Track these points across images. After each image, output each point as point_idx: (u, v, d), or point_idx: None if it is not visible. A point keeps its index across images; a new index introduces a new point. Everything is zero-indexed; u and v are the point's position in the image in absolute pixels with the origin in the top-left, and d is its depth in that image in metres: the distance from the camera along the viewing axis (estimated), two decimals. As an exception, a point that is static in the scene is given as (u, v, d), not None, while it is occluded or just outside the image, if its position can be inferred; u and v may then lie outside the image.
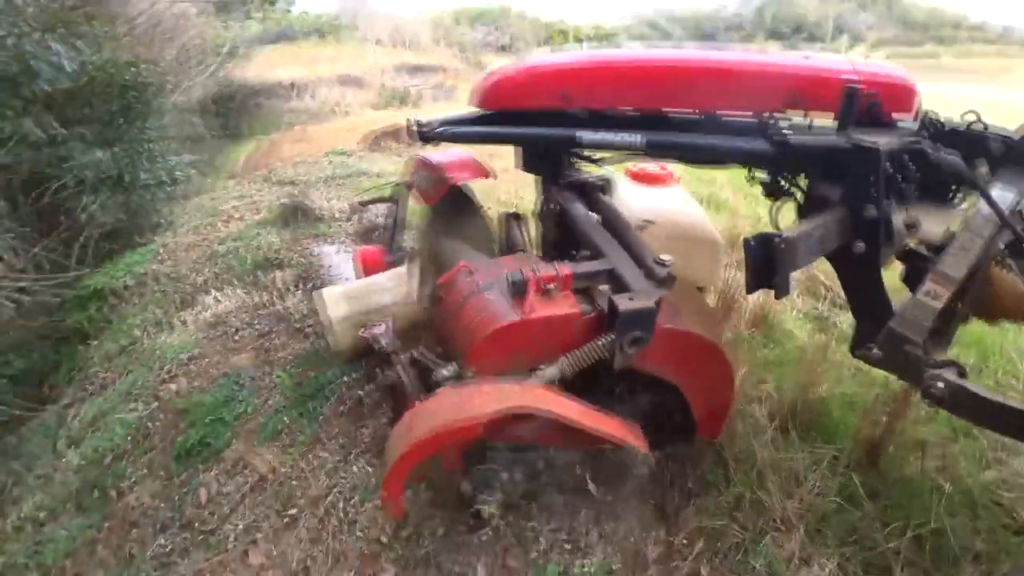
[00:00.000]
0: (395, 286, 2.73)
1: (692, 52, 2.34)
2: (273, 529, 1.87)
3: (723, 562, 1.87)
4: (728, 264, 3.14)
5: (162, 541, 1.96)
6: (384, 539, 1.75)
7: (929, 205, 1.95)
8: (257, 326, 3.29)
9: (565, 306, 1.75)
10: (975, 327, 2.67)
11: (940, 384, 1.57)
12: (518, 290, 1.74)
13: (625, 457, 1.86)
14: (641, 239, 2.11)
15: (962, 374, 1.62)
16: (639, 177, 2.89)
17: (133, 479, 2.28)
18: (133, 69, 7.31)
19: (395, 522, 1.80)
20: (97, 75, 6.56)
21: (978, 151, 1.96)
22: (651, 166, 2.93)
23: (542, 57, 2.45)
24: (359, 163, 8.84)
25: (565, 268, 1.81)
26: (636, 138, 2.04)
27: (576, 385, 1.78)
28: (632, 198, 2.81)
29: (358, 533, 1.80)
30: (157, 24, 13.82)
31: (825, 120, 2.00)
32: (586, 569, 1.85)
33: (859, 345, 1.87)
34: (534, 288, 1.73)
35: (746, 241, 1.75)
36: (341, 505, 1.94)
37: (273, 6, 42.41)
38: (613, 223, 2.22)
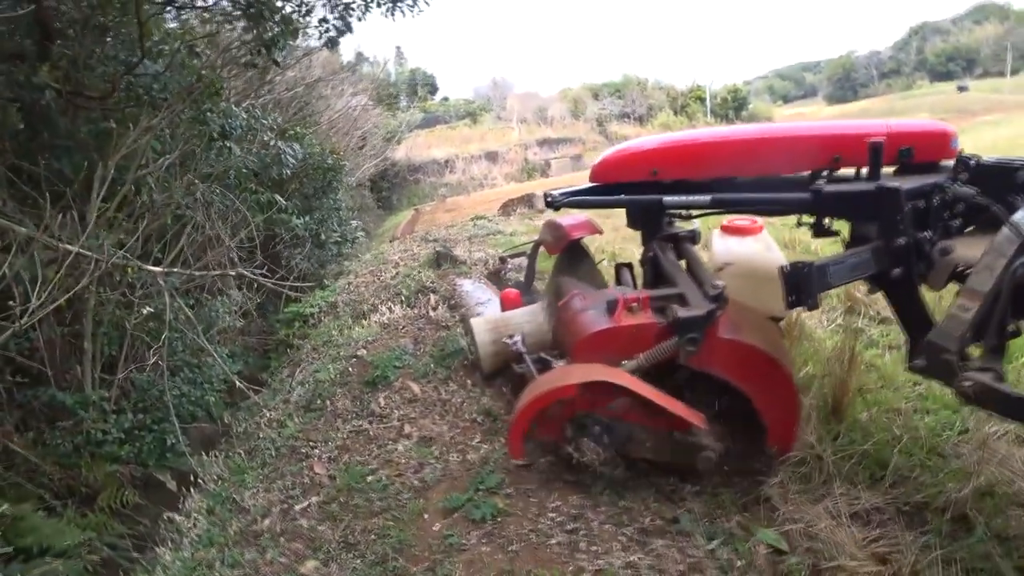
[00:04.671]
0: (528, 319, 3.28)
1: (751, 128, 2.79)
2: (418, 417, 3.15)
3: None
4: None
5: (356, 422, 3.31)
6: (479, 419, 2.94)
7: (980, 235, 2.03)
8: (414, 325, 4.74)
9: (644, 318, 2.28)
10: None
11: (967, 384, 1.71)
12: (611, 308, 2.32)
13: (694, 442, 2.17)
14: (706, 274, 2.55)
15: (999, 378, 1.72)
16: (728, 229, 3.20)
17: (338, 395, 3.69)
18: (333, 156, 9.73)
19: (483, 412, 2.96)
20: (310, 161, 8.95)
21: (1006, 183, 2.05)
22: (740, 219, 3.21)
23: (636, 142, 2.94)
24: (495, 225, 10.65)
25: (645, 293, 2.39)
26: (705, 199, 2.48)
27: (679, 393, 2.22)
28: (719, 246, 3.19)
29: (464, 416, 3.03)
30: (351, 121, 17.41)
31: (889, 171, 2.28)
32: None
33: (910, 359, 2.00)
34: (622, 306, 2.31)
35: (781, 268, 1.96)
36: (455, 405, 3.19)
37: (433, 97, 48.67)
38: (692, 264, 2.78)
